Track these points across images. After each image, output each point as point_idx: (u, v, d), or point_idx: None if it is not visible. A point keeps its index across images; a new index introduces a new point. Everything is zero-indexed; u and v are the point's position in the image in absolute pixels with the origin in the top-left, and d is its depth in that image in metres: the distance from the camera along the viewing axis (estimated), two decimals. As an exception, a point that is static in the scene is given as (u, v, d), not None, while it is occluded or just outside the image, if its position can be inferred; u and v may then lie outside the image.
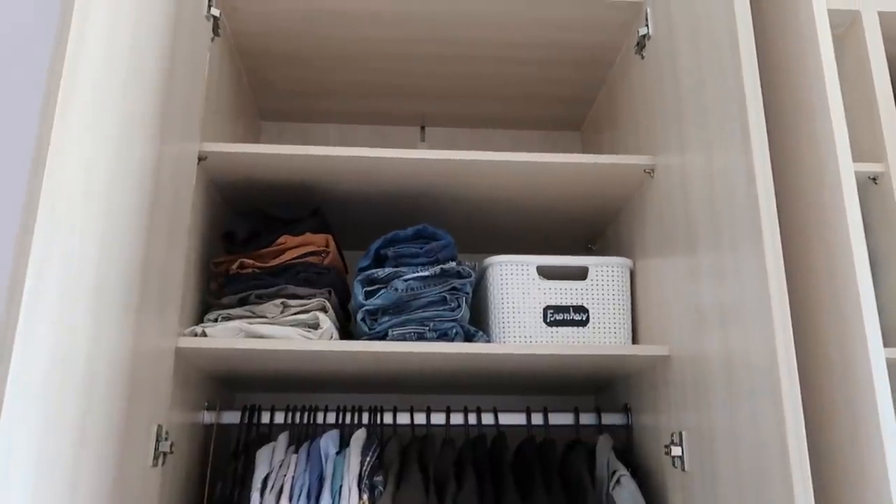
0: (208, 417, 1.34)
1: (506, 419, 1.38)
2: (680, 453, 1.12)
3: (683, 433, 1.12)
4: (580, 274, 1.35)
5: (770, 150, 1.11)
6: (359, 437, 1.29)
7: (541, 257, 1.34)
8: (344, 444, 1.30)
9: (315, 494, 1.20)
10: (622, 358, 1.24)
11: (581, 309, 1.32)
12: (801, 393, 0.87)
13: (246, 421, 1.35)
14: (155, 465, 1.07)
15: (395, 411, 1.37)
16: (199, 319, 1.26)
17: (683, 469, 1.12)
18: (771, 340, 0.88)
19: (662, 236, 1.26)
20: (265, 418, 1.36)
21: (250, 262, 1.28)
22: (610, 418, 1.40)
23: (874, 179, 1.18)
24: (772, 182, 0.94)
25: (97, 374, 0.88)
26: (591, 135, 1.79)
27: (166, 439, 1.10)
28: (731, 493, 0.97)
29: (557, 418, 1.38)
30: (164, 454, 1.10)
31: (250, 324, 1.20)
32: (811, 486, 0.82)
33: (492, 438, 1.36)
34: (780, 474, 0.84)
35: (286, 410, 1.35)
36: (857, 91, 1.22)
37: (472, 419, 1.37)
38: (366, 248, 1.32)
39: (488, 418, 1.38)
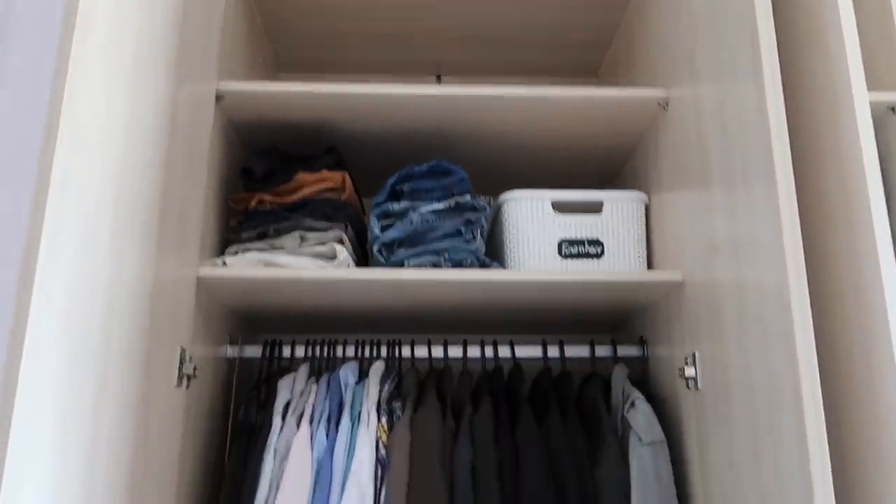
0: (231, 351, 1.38)
1: (522, 352, 1.40)
2: (693, 374, 1.13)
3: (696, 353, 1.14)
4: (595, 208, 1.36)
5: (784, 80, 1.10)
6: (377, 368, 1.32)
7: (556, 192, 1.35)
8: (363, 375, 1.33)
9: (335, 419, 1.23)
10: (637, 285, 1.25)
11: (596, 242, 1.34)
12: (814, 324, 0.87)
13: (267, 355, 1.38)
14: (179, 385, 1.11)
15: (412, 345, 1.39)
16: (220, 254, 1.29)
17: (697, 388, 1.13)
18: (783, 273, 0.89)
19: (677, 170, 1.26)
20: (286, 352, 1.39)
21: (269, 198, 1.30)
22: (625, 350, 1.41)
23: (893, 109, 1.17)
24: (784, 113, 0.94)
25: (120, 300, 0.91)
26: (607, 79, 1.78)
27: (190, 361, 1.13)
28: (742, 413, 0.98)
29: (573, 351, 1.40)
30: (188, 377, 1.13)
31: (269, 255, 1.23)
32: (822, 411, 0.82)
33: (508, 371, 1.38)
34: (791, 401, 0.85)
35: (306, 345, 1.38)
36: (874, 18, 1.21)
37: (489, 353, 1.39)
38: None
39: (505, 352, 1.40)
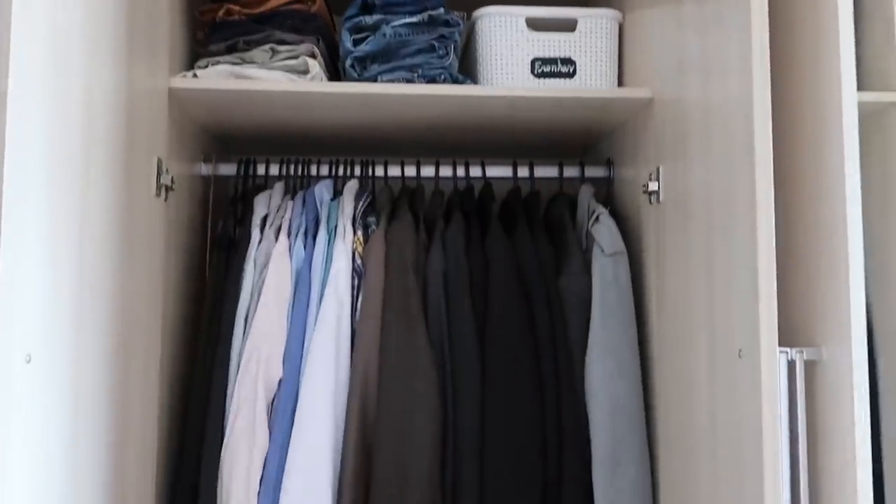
0: (206, 169, 1.39)
1: (493, 172, 1.43)
2: (656, 188, 1.18)
3: (661, 168, 1.18)
4: (569, 26, 1.35)
5: None
6: (351, 186, 1.34)
7: (530, 8, 1.33)
8: (337, 193, 1.36)
9: (312, 233, 1.27)
10: (607, 102, 1.27)
11: (568, 61, 1.34)
12: (774, 148, 0.89)
13: (242, 173, 1.40)
14: (158, 195, 1.13)
15: (385, 164, 1.41)
16: (190, 68, 1.27)
17: (658, 202, 1.19)
18: (749, 88, 0.90)
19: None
20: (260, 171, 1.41)
21: (236, 8, 1.27)
22: (593, 171, 1.45)
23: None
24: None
25: (95, 111, 0.91)
26: None
27: (167, 173, 1.15)
28: (700, 224, 1.04)
29: (543, 172, 1.44)
30: (167, 188, 1.15)
31: (240, 68, 1.21)
32: (773, 222, 0.86)
33: (479, 190, 1.42)
34: (746, 211, 0.89)
35: (281, 163, 1.40)
36: None
37: (461, 173, 1.42)
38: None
39: (476, 172, 1.43)
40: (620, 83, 1.38)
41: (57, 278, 0.85)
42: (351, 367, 1.18)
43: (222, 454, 1.14)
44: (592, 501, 1.15)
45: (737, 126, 0.94)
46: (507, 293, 1.22)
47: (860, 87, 0.95)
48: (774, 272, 0.85)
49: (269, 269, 1.22)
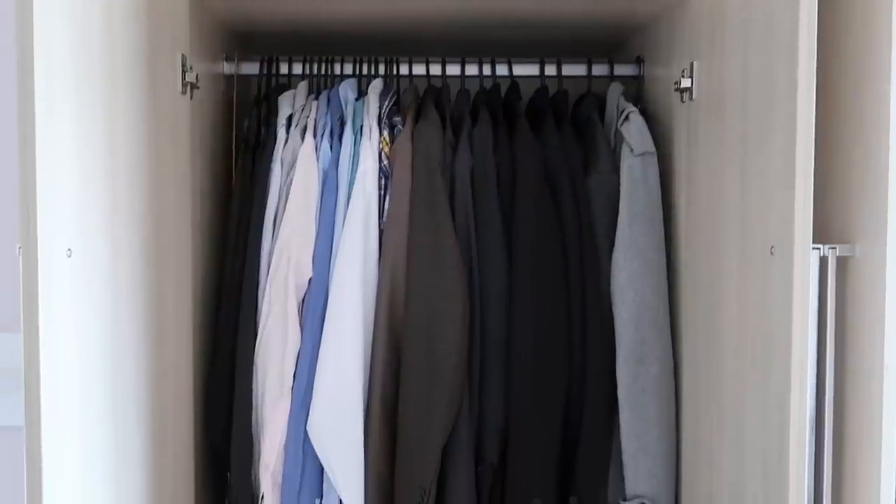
0: (228, 68, 1.37)
1: (520, 71, 1.40)
2: (689, 84, 1.15)
3: (695, 63, 1.15)
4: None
5: None
6: (376, 85, 1.32)
7: None
8: (362, 93, 1.34)
9: (338, 133, 1.26)
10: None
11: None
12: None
13: (265, 71, 1.38)
14: (184, 92, 1.12)
15: (410, 62, 1.39)
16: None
17: (691, 99, 1.16)
18: None
19: None
20: (283, 70, 1.38)
21: None
22: (622, 69, 1.42)
23: None
24: None
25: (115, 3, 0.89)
26: None
27: (191, 70, 1.13)
28: (734, 124, 1.01)
29: (571, 70, 1.40)
30: (192, 85, 1.14)
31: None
32: (813, 123, 0.83)
33: (506, 88, 1.40)
34: (785, 115, 0.86)
35: (304, 61, 1.37)
36: None
37: (487, 71, 1.39)
38: None
39: (502, 70, 1.40)
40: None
41: (89, 172, 0.86)
42: (379, 265, 1.20)
43: (256, 351, 1.17)
44: (615, 399, 1.18)
45: (780, 18, 0.90)
46: (535, 192, 1.21)
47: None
48: (812, 167, 0.83)
49: (297, 170, 1.22)
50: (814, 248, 0.85)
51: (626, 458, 1.17)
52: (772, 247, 0.88)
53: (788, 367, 0.85)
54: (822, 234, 0.92)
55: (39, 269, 0.77)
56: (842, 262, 0.90)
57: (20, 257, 0.77)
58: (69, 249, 0.83)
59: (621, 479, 1.19)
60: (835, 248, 0.88)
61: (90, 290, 0.87)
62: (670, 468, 1.19)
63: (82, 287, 0.85)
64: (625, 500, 1.19)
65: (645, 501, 1.17)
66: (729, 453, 1.02)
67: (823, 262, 0.89)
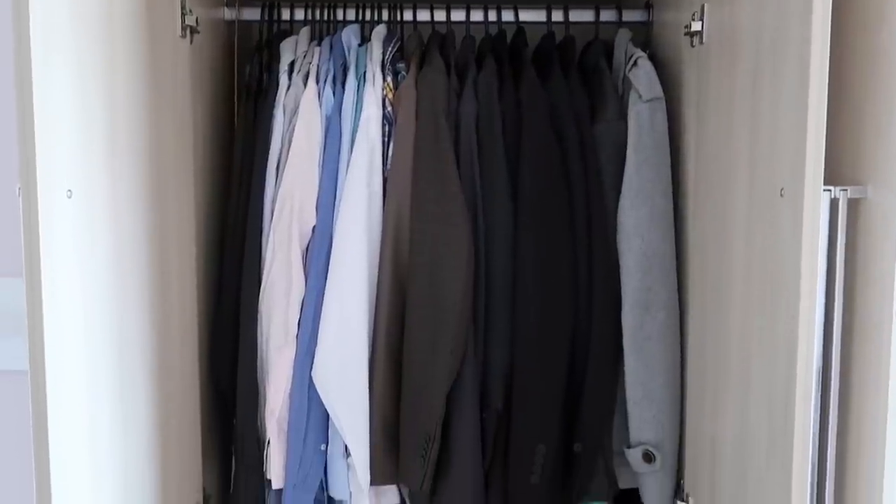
0: (229, 13, 1.35)
1: (526, 17, 1.37)
2: (700, 28, 1.12)
3: (706, 6, 1.12)
4: None
5: None
6: (379, 31, 1.30)
7: None
8: (365, 39, 1.32)
9: (340, 80, 1.24)
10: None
11: None
12: None
13: (266, 17, 1.35)
14: (183, 36, 1.10)
15: (414, 8, 1.36)
16: None
17: (701, 43, 1.13)
18: None
19: None
20: (285, 16, 1.36)
21: None
22: (630, 15, 1.38)
23: None
24: None
25: None
26: None
27: (191, 13, 1.11)
28: (746, 64, 0.99)
29: (578, 16, 1.37)
30: (191, 29, 1.12)
31: None
32: (826, 68, 0.81)
33: (512, 34, 1.37)
34: (798, 55, 0.83)
35: (306, 7, 1.35)
36: None
37: (492, 17, 1.36)
38: None
39: (508, 17, 1.37)
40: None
41: (88, 113, 0.85)
42: (383, 213, 1.19)
43: (260, 297, 1.17)
44: (621, 346, 1.18)
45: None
46: (541, 138, 1.19)
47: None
48: (825, 108, 0.81)
49: (299, 116, 1.20)
50: (824, 191, 0.84)
51: (630, 405, 1.17)
52: (781, 189, 0.86)
53: (796, 313, 0.84)
54: (833, 178, 0.91)
55: (40, 209, 0.76)
56: (853, 206, 0.89)
57: (20, 198, 0.76)
58: (69, 190, 0.82)
59: (625, 426, 1.20)
60: (846, 189, 0.86)
61: (92, 231, 0.86)
62: (675, 415, 1.19)
63: (84, 228, 0.85)
64: (629, 446, 1.19)
65: (649, 448, 1.17)
66: (734, 400, 1.02)
67: (834, 204, 0.87)
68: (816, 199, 0.81)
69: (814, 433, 0.90)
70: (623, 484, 1.23)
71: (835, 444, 0.91)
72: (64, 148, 0.80)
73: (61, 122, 0.79)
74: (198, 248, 1.17)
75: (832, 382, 0.90)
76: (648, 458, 1.18)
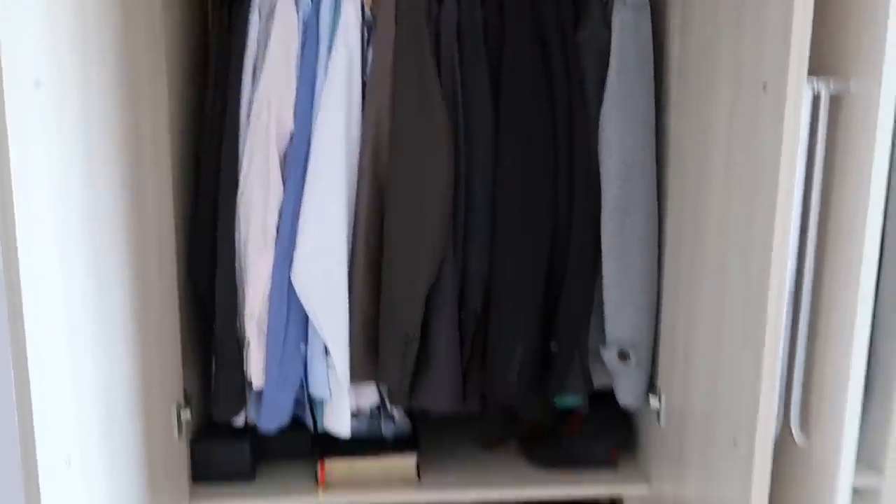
0: None
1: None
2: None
3: None
4: None
5: None
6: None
7: None
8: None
9: (318, -19, 1.20)
10: None
11: None
12: None
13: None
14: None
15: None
16: None
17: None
18: None
19: None
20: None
21: None
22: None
23: None
24: None
25: None
26: None
27: None
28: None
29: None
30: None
31: None
32: None
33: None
34: None
35: None
36: None
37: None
38: None
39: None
40: None
41: (56, 5, 0.82)
42: (362, 118, 1.17)
43: (237, 201, 1.16)
44: (599, 250, 1.19)
45: None
46: (523, 45, 1.18)
47: None
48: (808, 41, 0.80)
49: (276, 19, 1.17)
50: (808, 83, 0.83)
51: (608, 307, 1.19)
52: (764, 83, 0.86)
53: (773, 208, 0.84)
54: (816, 72, 0.90)
55: (6, 97, 0.74)
56: (835, 102, 0.88)
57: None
58: (37, 80, 0.79)
59: (601, 327, 1.21)
60: (829, 81, 0.86)
61: (61, 124, 0.84)
62: (651, 317, 1.21)
63: (54, 121, 0.83)
64: (604, 345, 1.21)
65: (625, 347, 1.19)
66: (709, 300, 1.03)
67: (816, 101, 0.87)
68: (799, 93, 0.81)
69: (786, 324, 0.91)
70: (597, 381, 1.25)
71: (806, 332, 0.93)
72: (30, 37, 0.78)
73: (27, 12, 0.77)
74: (173, 148, 1.15)
75: (805, 273, 0.92)
76: (623, 356, 1.20)
